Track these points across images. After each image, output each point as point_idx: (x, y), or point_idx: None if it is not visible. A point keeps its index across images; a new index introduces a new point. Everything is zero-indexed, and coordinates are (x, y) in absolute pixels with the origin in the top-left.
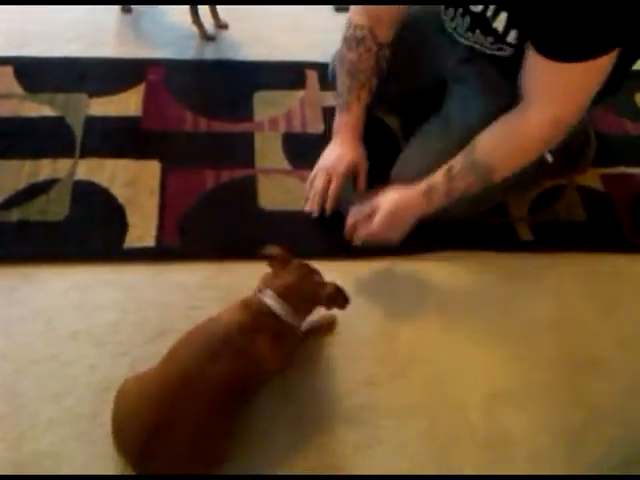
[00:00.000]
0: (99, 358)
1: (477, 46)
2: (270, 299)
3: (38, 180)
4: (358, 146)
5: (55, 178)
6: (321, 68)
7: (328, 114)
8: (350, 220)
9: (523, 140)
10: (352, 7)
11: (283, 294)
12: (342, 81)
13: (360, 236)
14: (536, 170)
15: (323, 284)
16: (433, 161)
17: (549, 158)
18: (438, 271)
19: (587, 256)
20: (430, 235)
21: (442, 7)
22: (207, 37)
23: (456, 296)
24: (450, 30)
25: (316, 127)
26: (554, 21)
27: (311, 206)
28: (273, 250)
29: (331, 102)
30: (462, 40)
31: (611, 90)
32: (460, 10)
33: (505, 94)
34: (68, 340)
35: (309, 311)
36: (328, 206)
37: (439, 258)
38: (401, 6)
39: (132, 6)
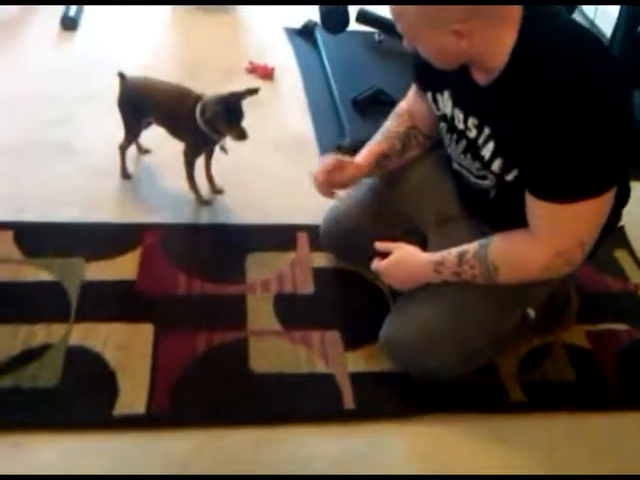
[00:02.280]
0: None
1: (465, 172)
2: None
3: (32, 346)
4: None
5: (49, 343)
6: (311, 230)
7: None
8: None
9: (526, 259)
10: (400, 103)
11: None
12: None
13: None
14: (521, 327)
15: None
16: (421, 323)
17: (532, 314)
18: (429, 434)
19: (577, 415)
20: (421, 396)
21: (442, 132)
22: (203, 202)
23: (448, 459)
24: (449, 152)
25: (307, 288)
26: (544, 165)
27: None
28: None
29: (321, 263)
30: (455, 165)
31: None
32: (455, 136)
33: None
34: None
35: None
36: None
37: (430, 420)
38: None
39: (131, 172)
